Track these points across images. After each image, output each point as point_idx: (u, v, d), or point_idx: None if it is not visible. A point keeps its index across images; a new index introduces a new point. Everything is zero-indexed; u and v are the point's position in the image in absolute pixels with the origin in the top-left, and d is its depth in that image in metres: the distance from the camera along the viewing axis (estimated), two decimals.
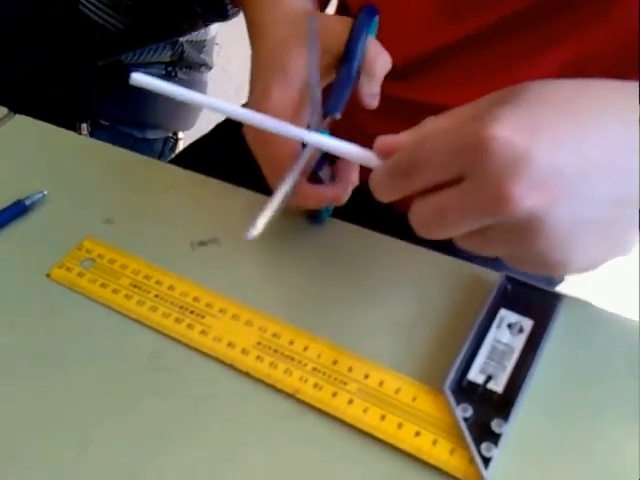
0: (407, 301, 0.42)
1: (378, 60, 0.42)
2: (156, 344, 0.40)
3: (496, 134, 0.28)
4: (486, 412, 0.36)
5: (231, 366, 0.39)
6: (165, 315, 0.41)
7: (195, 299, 0.42)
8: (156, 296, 0.42)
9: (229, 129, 0.71)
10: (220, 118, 0.71)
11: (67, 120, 0.57)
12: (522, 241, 0.30)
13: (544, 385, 0.38)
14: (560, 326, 0.40)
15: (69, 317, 0.42)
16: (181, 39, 0.82)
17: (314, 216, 0.46)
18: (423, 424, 0.36)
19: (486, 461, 0.34)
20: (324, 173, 0.42)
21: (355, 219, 0.47)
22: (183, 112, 0.92)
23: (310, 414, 0.37)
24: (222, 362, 0.39)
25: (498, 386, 0.37)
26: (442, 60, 0.52)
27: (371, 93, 0.43)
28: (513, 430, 0.35)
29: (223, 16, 0.77)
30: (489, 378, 0.37)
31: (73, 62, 0.75)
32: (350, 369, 0.39)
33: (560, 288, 0.61)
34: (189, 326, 0.41)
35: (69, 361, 0.40)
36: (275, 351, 0.39)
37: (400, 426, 0.36)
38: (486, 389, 0.37)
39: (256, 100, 0.42)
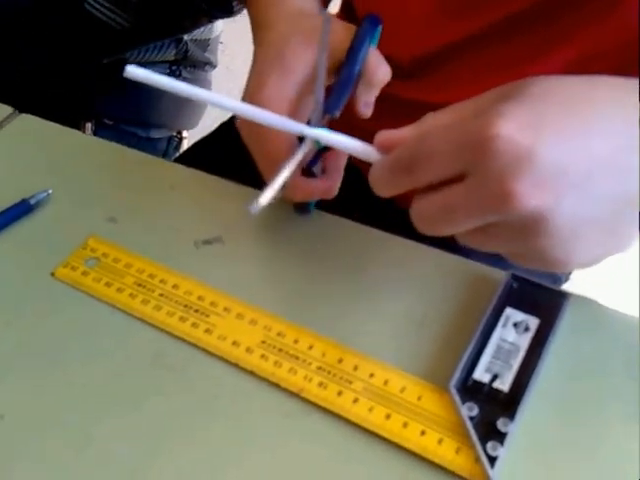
0: (412, 300, 0.42)
1: (379, 70, 0.43)
2: (160, 343, 0.40)
3: (500, 131, 0.28)
4: (492, 411, 0.35)
5: (235, 365, 0.39)
6: (169, 314, 0.41)
7: (199, 298, 0.42)
8: (160, 295, 0.42)
9: (233, 128, 0.71)
10: (225, 116, 0.71)
11: (71, 119, 0.57)
12: (525, 239, 0.30)
13: (550, 384, 0.37)
14: (566, 324, 0.40)
15: (74, 316, 0.42)
16: (185, 37, 0.82)
17: (302, 207, 0.47)
18: (428, 423, 0.36)
19: (492, 460, 0.34)
20: (317, 167, 0.42)
21: (356, 216, 0.47)
22: (187, 111, 0.92)
23: (315, 413, 0.37)
24: (226, 361, 0.39)
25: (504, 385, 0.37)
26: (446, 60, 0.52)
27: (367, 102, 0.43)
28: (519, 429, 0.35)
29: (229, 12, 0.77)
30: (495, 377, 0.37)
31: (74, 62, 0.75)
32: (355, 368, 0.38)
33: (566, 286, 0.61)
34: (193, 325, 0.41)
35: (73, 360, 0.40)
36: (280, 350, 0.39)
37: (405, 425, 0.36)
38: (492, 388, 0.37)
39: (251, 90, 0.42)
